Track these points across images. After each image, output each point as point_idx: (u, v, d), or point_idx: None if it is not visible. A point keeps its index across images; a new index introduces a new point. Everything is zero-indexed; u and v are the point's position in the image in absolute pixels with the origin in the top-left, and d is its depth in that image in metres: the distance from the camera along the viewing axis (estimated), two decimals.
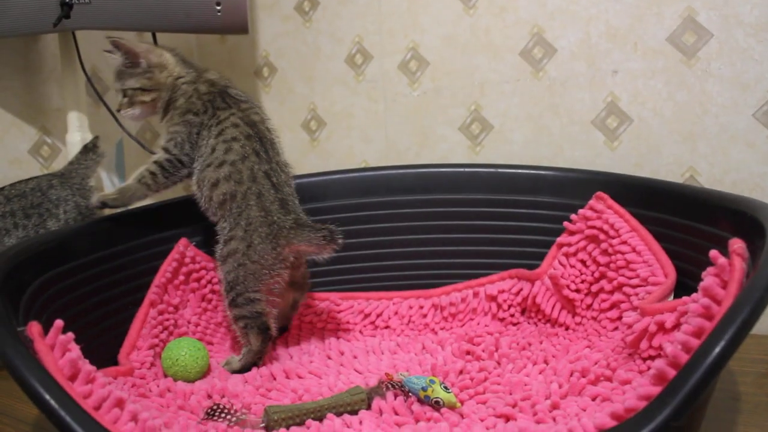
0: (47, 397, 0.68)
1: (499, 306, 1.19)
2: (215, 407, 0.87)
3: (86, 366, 0.78)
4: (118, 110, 1.19)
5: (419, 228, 1.26)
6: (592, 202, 1.16)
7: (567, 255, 1.16)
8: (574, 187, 1.20)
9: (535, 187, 1.22)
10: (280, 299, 1.09)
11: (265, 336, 1.06)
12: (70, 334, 0.81)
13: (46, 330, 0.80)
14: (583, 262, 1.15)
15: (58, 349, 0.79)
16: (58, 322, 0.81)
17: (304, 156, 1.66)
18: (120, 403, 0.76)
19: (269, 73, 1.69)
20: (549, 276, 1.15)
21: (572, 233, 1.17)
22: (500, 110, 1.41)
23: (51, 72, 1.52)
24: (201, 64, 1.23)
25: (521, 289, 1.19)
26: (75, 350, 0.80)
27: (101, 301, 1.07)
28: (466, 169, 1.26)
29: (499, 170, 1.24)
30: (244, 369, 1.07)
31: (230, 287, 1.05)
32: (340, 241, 1.04)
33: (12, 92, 1.46)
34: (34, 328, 0.80)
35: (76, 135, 1.45)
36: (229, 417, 0.86)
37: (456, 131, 1.45)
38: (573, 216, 1.17)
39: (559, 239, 1.18)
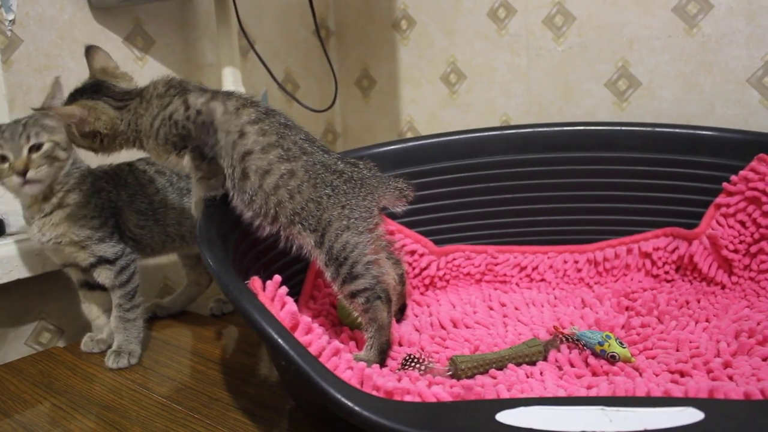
0: (286, 347, 0.77)
1: (654, 263, 1.23)
2: (409, 357, 0.95)
3: (304, 318, 0.87)
4: None
5: (574, 185, 1.30)
6: (753, 163, 1.17)
7: (725, 215, 1.18)
8: (733, 148, 1.20)
9: (692, 147, 1.23)
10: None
11: (389, 307, 0.98)
12: (285, 288, 0.90)
13: None
14: (742, 223, 1.16)
15: (277, 302, 0.87)
16: (277, 277, 0.90)
17: (443, 108, 1.71)
18: (337, 352, 0.85)
19: (408, 26, 1.73)
20: (707, 236, 1.18)
21: (731, 194, 1.18)
22: (649, 67, 1.41)
23: (205, 29, 1.59)
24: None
25: (677, 247, 1.22)
26: (291, 303, 0.88)
27: (280, 252, 1.08)
28: (623, 128, 1.28)
29: (656, 129, 1.26)
30: (381, 354, 0.97)
31: (341, 261, 0.95)
32: (411, 194, 1.01)
33: (171, 50, 1.54)
34: (256, 282, 0.89)
35: (231, 89, 1.53)
36: (419, 366, 0.94)
37: (602, 87, 1.46)
38: (733, 177, 1.19)
39: (717, 200, 1.20)
